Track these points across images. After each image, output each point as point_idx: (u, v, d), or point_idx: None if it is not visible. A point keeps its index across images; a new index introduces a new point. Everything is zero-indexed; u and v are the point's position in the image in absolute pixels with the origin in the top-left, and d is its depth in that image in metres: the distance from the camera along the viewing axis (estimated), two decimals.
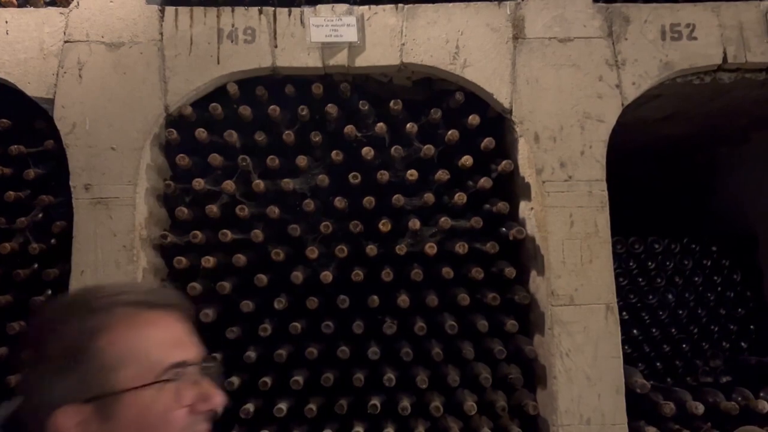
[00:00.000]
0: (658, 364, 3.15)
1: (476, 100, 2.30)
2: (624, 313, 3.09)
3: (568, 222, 2.16)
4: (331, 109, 2.26)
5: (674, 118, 2.83)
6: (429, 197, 2.20)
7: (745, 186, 3.37)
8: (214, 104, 2.23)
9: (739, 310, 3.22)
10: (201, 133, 2.21)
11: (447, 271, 2.14)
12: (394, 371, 2.10)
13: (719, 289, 3.21)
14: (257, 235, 2.17)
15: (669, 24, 2.25)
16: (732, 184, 3.46)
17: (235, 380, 2.07)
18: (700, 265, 3.22)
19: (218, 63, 2.24)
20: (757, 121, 2.92)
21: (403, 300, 2.14)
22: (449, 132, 2.23)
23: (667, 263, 3.20)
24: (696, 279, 3.20)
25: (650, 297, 3.18)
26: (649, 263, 3.19)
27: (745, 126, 3.01)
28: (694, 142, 3.34)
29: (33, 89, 2.19)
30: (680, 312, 3.18)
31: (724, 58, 2.23)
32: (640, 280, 3.18)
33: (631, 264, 3.18)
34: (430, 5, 2.27)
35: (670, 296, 3.17)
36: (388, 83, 2.39)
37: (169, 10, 2.25)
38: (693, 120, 2.90)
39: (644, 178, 3.73)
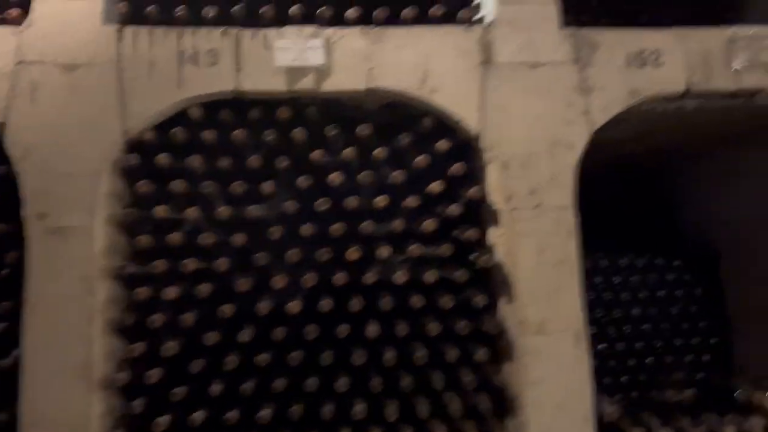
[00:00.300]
0: (622, 377, 3.20)
1: (446, 124, 2.28)
2: (591, 326, 3.13)
3: (537, 249, 2.15)
4: (299, 133, 2.21)
5: (638, 138, 2.86)
6: (398, 224, 2.17)
7: (709, 201, 3.43)
8: (175, 128, 2.15)
9: (701, 323, 3.28)
10: (162, 158, 2.14)
11: (417, 300, 2.12)
12: (364, 402, 2.07)
13: (682, 303, 3.27)
14: (221, 264, 2.11)
15: (635, 50, 2.26)
16: (696, 199, 3.52)
17: (199, 415, 2.01)
18: (664, 279, 3.27)
19: (179, 86, 2.16)
20: (721, 140, 2.97)
21: (373, 330, 2.10)
22: (418, 158, 2.20)
23: (632, 278, 3.25)
24: (659, 293, 3.26)
25: (615, 311, 3.22)
26: (614, 278, 3.24)
27: (710, 144, 3.06)
28: (658, 158, 3.39)
29: None
30: (644, 326, 3.22)
31: (689, 86, 2.25)
32: (606, 294, 3.22)
33: (596, 279, 3.22)
34: (398, 28, 2.23)
35: (634, 310, 3.22)
36: (357, 106, 2.35)
37: (128, 30, 2.17)
38: (657, 139, 2.93)
39: (607, 195, 3.76)
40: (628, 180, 3.79)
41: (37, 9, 2.15)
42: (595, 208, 3.56)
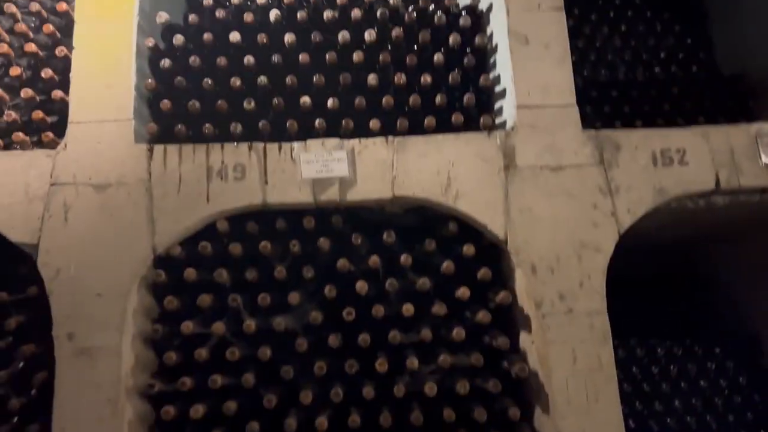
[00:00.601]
0: None
1: (471, 227, 2.27)
2: (630, 421, 3.00)
3: (571, 357, 2.09)
4: (324, 243, 2.22)
5: (670, 227, 2.81)
6: (426, 333, 2.13)
7: (745, 284, 3.33)
8: (203, 243, 2.18)
9: (748, 414, 3.12)
10: (190, 273, 2.15)
11: (449, 414, 2.05)
12: None
13: (726, 393, 3.13)
14: (248, 380, 2.08)
15: (660, 150, 2.26)
16: (731, 281, 3.42)
17: None
18: (705, 368, 3.15)
19: (208, 201, 2.20)
20: (755, 225, 2.91)
21: None
22: (444, 264, 2.18)
23: (671, 367, 3.13)
24: (702, 383, 3.12)
25: (656, 404, 3.09)
26: (653, 368, 3.13)
27: (746, 229, 3.00)
28: (691, 241, 3.32)
29: (17, 234, 2.14)
30: (688, 419, 3.08)
31: (717, 183, 2.22)
32: (645, 386, 3.10)
33: (634, 370, 3.11)
34: (420, 137, 2.26)
35: (676, 402, 3.08)
36: (381, 211, 2.35)
37: (158, 148, 2.23)
38: (689, 226, 2.88)
39: (640, 275, 3.69)
40: (662, 261, 3.71)
41: (71, 131, 2.23)
42: (627, 289, 3.50)
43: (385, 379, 2.12)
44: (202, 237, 2.21)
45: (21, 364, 2.13)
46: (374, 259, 2.20)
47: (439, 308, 2.16)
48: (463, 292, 2.18)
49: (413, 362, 2.10)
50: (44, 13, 2.38)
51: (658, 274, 3.73)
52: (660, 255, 3.67)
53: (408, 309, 2.15)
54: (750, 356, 3.21)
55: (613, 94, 3.25)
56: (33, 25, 2.39)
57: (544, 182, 2.23)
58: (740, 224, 2.90)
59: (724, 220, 2.71)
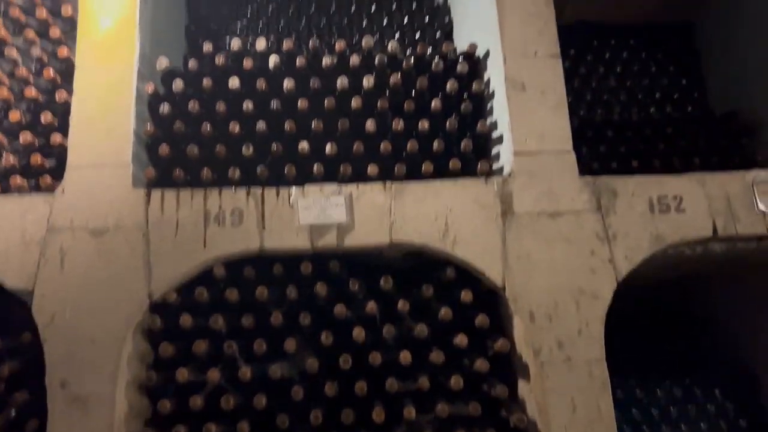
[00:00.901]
0: None
1: (469, 273, 2.26)
2: None
3: (570, 407, 2.07)
4: (320, 288, 2.21)
5: (668, 268, 2.81)
6: (424, 382, 2.11)
7: (742, 323, 3.32)
8: (200, 289, 2.17)
9: None
10: (186, 319, 2.14)
11: None
12: None
13: None
14: (243, 428, 2.05)
15: (656, 196, 2.26)
16: (729, 320, 3.41)
17: None
18: (705, 410, 3.12)
19: (205, 246, 2.19)
20: (755, 267, 2.90)
21: None
22: (442, 310, 2.17)
23: (671, 409, 3.10)
24: (702, 425, 3.09)
25: None
26: (652, 410, 3.10)
27: (743, 270, 3.00)
28: (688, 280, 3.32)
29: (12, 280, 2.13)
30: None
31: (714, 230, 2.23)
32: (645, 428, 3.07)
33: (633, 412, 3.08)
34: (418, 183, 2.27)
35: None
36: (379, 255, 2.35)
37: (156, 193, 2.23)
38: (687, 269, 2.88)
39: (637, 311, 3.67)
40: (660, 298, 3.70)
41: (69, 176, 2.23)
42: (624, 324, 3.49)
43: (383, 428, 2.10)
44: (198, 282, 2.20)
45: (13, 412, 2.09)
46: (371, 306, 2.19)
47: (437, 356, 2.14)
48: (461, 339, 2.16)
49: (411, 411, 2.08)
50: (45, 58, 2.39)
51: (655, 310, 3.72)
52: (657, 292, 3.66)
53: (405, 356, 2.13)
54: (749, 396, 3.18)
55: (608, 134, 3.28)
56: (34, 69, 2.41)
57: (541, 228, 2.23)
58: (738, 267, 2.91)
59: (722, 264, 2.71)
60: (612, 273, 2.19)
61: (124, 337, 2.10)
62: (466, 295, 2.20)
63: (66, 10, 2.48)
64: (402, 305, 2.20)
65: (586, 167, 2.40)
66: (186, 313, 2.14)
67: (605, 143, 3.22)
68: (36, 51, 2.39)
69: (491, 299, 2.29)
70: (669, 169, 3.01)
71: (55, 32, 2.45)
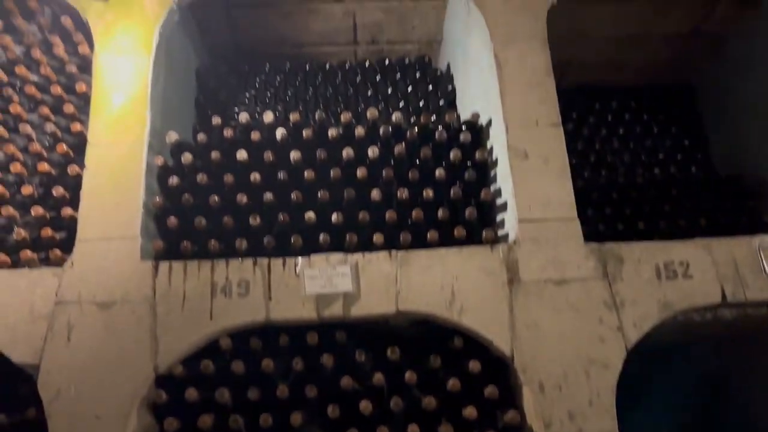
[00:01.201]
0: None
1: (476, 341, 2.24)
2: None
3: None
4: (327, 360, 2.20)
5: (679, 331, 2.77)
6: None
7: (756, 386, 3.24)
8: (205, 362, 2.15)
9: None
10: (191, 393, 2.12)
11: None
12: None
13: None
14: None
15: (663, 262, 2.26)
16: (745, 391, 3.32)
17: None
18: None
19: (211, 318, 2.19)
20: (764, 332, 2.85)
21: None
22: (450, 381, 2.14)
23: None
24: None
25: None
26: None
27: (753, 335, 2.95)
28: (703, 348, 3.27)
29: (19, 355, 2.12)
30: None
31: (723, 296, 2.21)
32: None
33: None
34: (423, 251, 2.28)
35: None
36: (385, 324, 2.34)
37: (164, 265, 2.25)
38: (698, 335, 2.84)
39: (648, 380, 3.60)
40: (669, 361, 3.63)
41: (79, 249, 2.26)
42: (639, 392, 3.43)
43: None
44: (204, 355, 2.19)
45: None
46: (378, 377, 2.16)
47: (446, 429, 2.10)
48: (470, 411, 2.13)
49: None
50: (59, 133, 2.46)
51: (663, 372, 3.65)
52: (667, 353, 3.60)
53: (414, 430, 2.09)
54: None
55: (613, 196, 3.29)
56: (47, 144, 2.47)
57: (548, 296, 2.22)
58: (749, 332, 2.86)
59: (732, 329, 2.67)
60: (621, 341, 2.17)
61: (129, 413, 2.08)
62: (474, 366, 2.18)
63: (80, 87, 2.56)
64: (409, 376, 2.17)
65: (591, 230, 2.40)
66: (191, 387, 2.12)
67: (610, 205, 3.22)
68: (50, 126, 2.45)
69: (500, 369, 2.26)
70: (675, 230, 3.02)
71: (69, 108, 2.52)
